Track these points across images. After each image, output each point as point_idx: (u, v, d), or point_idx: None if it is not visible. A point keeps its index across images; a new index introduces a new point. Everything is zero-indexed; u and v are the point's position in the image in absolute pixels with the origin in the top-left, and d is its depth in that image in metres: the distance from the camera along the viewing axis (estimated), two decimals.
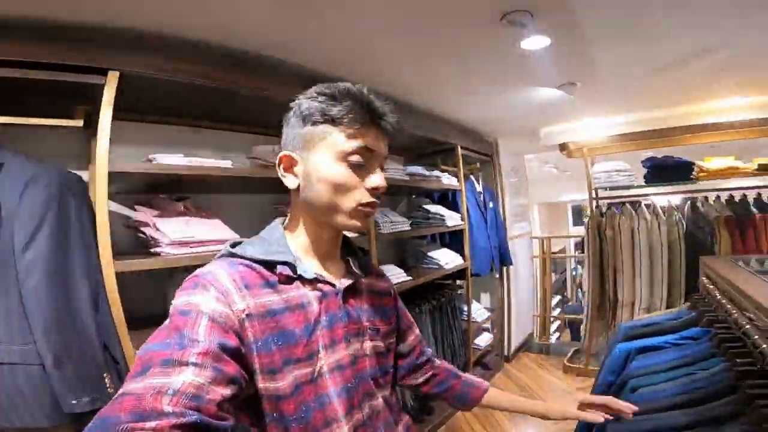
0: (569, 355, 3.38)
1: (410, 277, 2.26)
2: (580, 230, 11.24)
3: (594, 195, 3.19)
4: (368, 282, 0.76)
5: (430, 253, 2.73)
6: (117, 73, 1.12)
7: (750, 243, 2.67)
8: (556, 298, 6.38)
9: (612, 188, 3.07)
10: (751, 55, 1.59)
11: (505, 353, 3.59)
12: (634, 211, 3.05)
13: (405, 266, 2.57)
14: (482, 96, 2.18)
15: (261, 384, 0.56)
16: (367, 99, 0.61)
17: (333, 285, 0.67)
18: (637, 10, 1.25)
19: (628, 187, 3.07)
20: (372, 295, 0.75)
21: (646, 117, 2.82)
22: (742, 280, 1.35)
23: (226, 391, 0.47)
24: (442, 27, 1.28)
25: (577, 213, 11.93)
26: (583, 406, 0.82)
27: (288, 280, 0.63)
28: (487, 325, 3.25)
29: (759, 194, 2.84)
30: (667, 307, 2.90)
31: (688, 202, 3.07)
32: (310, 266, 0.66)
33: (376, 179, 0.63)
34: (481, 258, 3.03)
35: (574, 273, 8.17)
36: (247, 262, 0.62)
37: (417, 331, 0.90)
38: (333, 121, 0.61)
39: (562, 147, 3.16)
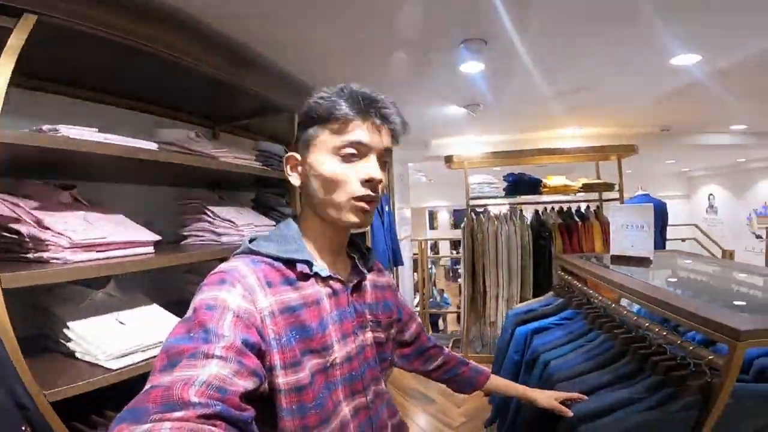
0: (450, 344, 3.80)
1: None
2: (434, 233, 12.70)
3: (468, 203, 3.68)
4: (371, 278, 0.79)
5: None
6: (34, 18, 0.81)
7: (575, 244, 3.48)
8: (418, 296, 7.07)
9: (483, 197, 3.60)
10: (604, 96, 2.12)
11: None
12: (497, 218, 3.64)
13: None
14: (404, 106, 2.30)
15: (282, 379, 0.58)
16: (356, 93, 0.64)
17: (343, 282, 0.70)
18: (549, 47, 1.54)
19: (496, 197, 3.64)
20: (375, 289, 0.79)
21: (512, 138, 3.40)
22: (603, 271, 1.78)
23: (248, 384, 0.48)
24: (407, 44, 1.34)
25: (431, 218, 13.49)
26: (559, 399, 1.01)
27: (305, 278, 0.65)
28: None
29: (579, 207, 3.72)
30: (521, 297, 3.55)
31: (534, 210, 3.82)
32: (323, 264, 0.69)
33: (369, 170, 0.64)
34: (381, 261, 3.16)
35: (430, 272, 9.19)
36: (268, 259, 0.64)
37: (419, 320, 0.98)
38: (325, 118, 0.64)
39: (447, 159, 3.55)
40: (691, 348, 1.06)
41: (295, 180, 0.69)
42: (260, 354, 0.55)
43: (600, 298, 1.73)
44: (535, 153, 3.47)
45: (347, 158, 0.63)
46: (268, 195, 1.96)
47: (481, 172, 3.82)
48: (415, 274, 5.62)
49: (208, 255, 1.34)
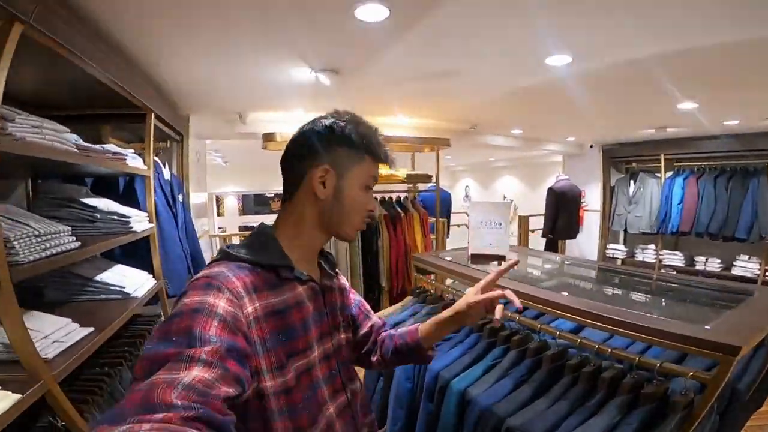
0: None
1: (90, 328, 1.28)
2: (222, 221, 11.09)
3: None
4: (337, 281, 0.83)
5: (99, 277, 1.68)
6: None
7: (400, 235, 3.45)
8: None
9: None
10: (469, 82, 1.95)
11: None
12: None
13: (45, 302, 1.46)
14: (220, 59, 1.54)
15: (270, 382, 0.61)
16: (379, 139, 0.76)
17: (318, 285, 0.75)
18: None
19: None
20: (340, 292, 0.83)
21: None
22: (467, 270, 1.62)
23: (230, 390, 0.49)
24: None
25: (218, 203, 11.82)
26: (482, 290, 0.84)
27: (286, 281, 0.69)
28: None
29: (399, 197, 3.73)
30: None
31: None
32: (301, 269, 0.71)
33: (372, 203, 0.78)
34: (179, 272, 2.24)
35: None
36: (250, 265, 0.66)
37: (373, 317, 0.96)
38: (369, 151, 0.74)
39: (268, 137, 2.86)
40: (658, 365, 0.94)
41: (321, 191, 0.72)
42: (246, 359, 0.55)
43: None
44: None
45: (366, 189, 0.75)
46: None
47: None
48: None
49: None
